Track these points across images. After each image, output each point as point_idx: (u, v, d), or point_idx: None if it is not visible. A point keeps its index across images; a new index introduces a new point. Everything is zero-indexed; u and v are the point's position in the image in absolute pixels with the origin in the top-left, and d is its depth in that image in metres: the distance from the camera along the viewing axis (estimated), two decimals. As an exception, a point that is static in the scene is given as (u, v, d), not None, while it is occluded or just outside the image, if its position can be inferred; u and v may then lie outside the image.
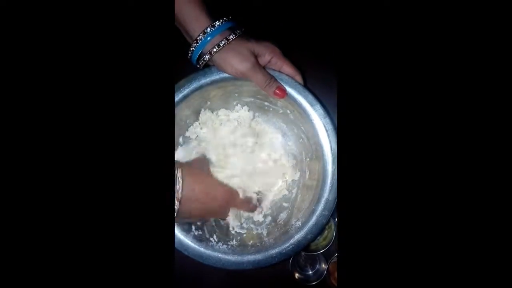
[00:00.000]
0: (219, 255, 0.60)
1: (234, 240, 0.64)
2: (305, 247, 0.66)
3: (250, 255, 0.60)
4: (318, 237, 0.76)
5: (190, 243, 0.60)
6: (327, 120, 0.60)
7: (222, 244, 0.62)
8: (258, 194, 0.69)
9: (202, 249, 0.60)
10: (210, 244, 0.61)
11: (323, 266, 0.76)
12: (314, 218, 0.60)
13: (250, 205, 0.67)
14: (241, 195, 0.66)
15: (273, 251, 0.60)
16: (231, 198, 0.64)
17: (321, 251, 0.73)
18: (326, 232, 0.76)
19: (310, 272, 0.77)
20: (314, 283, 0.75)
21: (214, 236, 0.63)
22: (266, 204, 0.71)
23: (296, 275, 0.76)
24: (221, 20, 0.58)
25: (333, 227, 0.73)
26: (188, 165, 0.65)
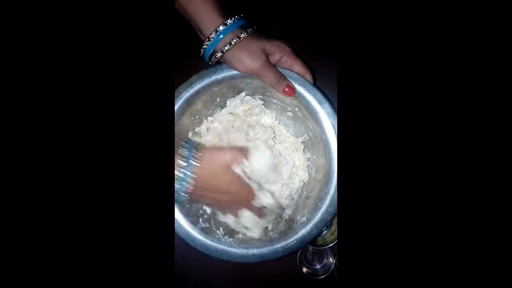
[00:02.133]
0: (225, 247, 0.61)
1: (240, 234, 0.65)
2: (310, 242, 0.67)
3: (255, 248, 0.61)
4: (326, 232, 0.77)
5: (197, 235, 0.61)
6: (335, 118, 0.61)
7: (228, 237, 0.63)
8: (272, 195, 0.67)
9: (208, 241, 0.61)
10: (216, 236, 0.62)
11: (331, 260, 0.77)
12: (319, 214, 0.61)
13: (260, 212, 0.64)
14: (255, 203, 0.63)
15: (278, 245, 0.61)
16: (245, 200, 0.62)
17: (329, 246, 0.74)
18: (333, 227, 0.76)
19: (318, 266, 0.78)
20: (321, 277, 0.76)
21: (221, 229, 0.64)
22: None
23: (304, 269, 0.77)
24: (233, 19, 0.59)
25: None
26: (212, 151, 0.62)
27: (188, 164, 0.54)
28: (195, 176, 0.55)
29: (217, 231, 0.64)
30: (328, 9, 0.77)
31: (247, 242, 0.63)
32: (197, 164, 0.55)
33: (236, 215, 0.64)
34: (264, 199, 0.63)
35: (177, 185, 0.55)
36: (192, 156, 0.55)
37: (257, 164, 0.62)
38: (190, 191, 0.56)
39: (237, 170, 0.59)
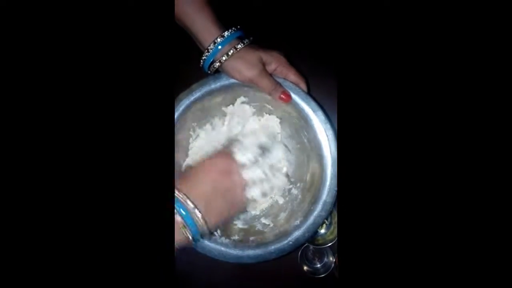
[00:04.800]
0: (222, 248, 0.63)
1: (236, 235, 0.67)
2: (310, 241, 0.69)
3: (250, 249, 0.63)
4: (325, 231, 0.78)
5: (195, 235, 0.64)
6: (328, 126, 0.64)
7: (225, 238, 0.65)
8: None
9: (206, 242, 0.63)
10: (213, 237, 0.64)
11: (331, 259, 0.77)
12: (312, 218, 0.63)
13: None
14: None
15: (272, 247, 0.63)
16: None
17: (328, 245, 0.75)
18: (332, 226, 0.77)
19: (318, 265, 0.79)
20: (322, 275, 0.77)
21: (218, 231, 0.66)
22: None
23: (305, 267, 0.78)
24: (230, 30, 0.62)
25: (340, 221, 0.75)
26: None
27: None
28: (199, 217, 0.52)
29: (215, 232, 0.66)
30: (322, 19, 0.79)
31: (243, 243, 0.65)
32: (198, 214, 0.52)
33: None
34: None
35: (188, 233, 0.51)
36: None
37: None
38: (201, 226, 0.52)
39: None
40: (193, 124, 0.72)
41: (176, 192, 0.52)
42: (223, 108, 0.73)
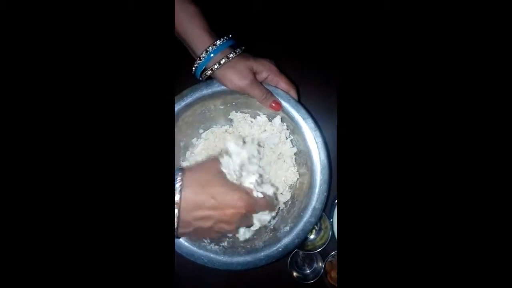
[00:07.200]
0: (211, 255, 0.64)
1: (225, 242, 0.68)
2: (300, 247, 0.69)
3: (239, 256, 0.64)
4: (315, 237, 0.79)
5: (184, 242, 0.64)
6: (317, 133, 0.64)
7: (214, 245, 0.65)
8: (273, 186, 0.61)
9: (194, 249, 0.64)
10: (202, 244, 0.65)
11: (320, 264, 0.78)
12: (301, 224, 0.64)
13: (272, 205, 0.59)
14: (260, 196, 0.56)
15: (262, 254, 0.64)
16: (252, 204, 0.55)
17: (318, 250, 0.75)
18: (322, 232, 0.78)
19: (308, 271, 0.79)
20: (311, 281, 0.77)
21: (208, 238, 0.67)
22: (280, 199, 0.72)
23: (294, 273, 0.78)
24: (222, 39, 0.62)
25: (329, 227, 0.75)
26: (192, 169, 0.56)
27: None
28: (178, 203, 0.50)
29: (204, 239, 0.66)
30: (315, 26, 0.80)
31: (232, 250, 0.66)
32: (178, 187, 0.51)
33: (234, 232, 0.60)
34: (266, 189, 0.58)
35: None
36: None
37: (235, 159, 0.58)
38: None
39: (225, 170, 0.55)
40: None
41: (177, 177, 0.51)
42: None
